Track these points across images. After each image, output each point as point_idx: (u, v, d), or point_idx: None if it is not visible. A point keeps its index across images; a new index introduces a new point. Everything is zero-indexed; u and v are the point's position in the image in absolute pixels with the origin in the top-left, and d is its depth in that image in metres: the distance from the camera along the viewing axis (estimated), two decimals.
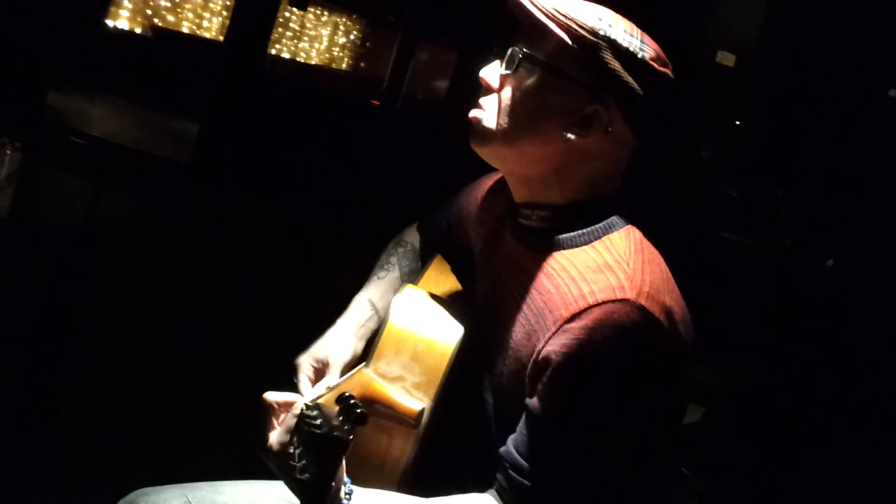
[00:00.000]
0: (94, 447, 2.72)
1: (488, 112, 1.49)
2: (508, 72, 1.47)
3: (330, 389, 1.40)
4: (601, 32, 1.44)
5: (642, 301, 1.33)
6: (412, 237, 1.88)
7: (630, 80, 1.43)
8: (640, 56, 1.44)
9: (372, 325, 1.71)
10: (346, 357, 1.62)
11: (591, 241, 1.43)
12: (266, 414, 1.36)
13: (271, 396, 1.38)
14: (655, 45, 1.47)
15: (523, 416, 1.38)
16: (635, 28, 1.47)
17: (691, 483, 2.82)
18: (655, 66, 1.45)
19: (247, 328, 3.23)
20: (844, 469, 2.69)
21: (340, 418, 1.21)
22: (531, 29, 1.45)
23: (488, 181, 1.71)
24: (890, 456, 2.64)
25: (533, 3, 1.43)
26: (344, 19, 8.55)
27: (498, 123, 1.49)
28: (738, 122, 4.44)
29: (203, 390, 3.00)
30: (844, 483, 2.68)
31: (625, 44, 1.43)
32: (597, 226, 1.45)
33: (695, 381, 3.13)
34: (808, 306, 2.92)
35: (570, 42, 1.43)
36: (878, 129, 3.09)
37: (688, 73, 4.55)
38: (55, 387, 2.67)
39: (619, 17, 1.47)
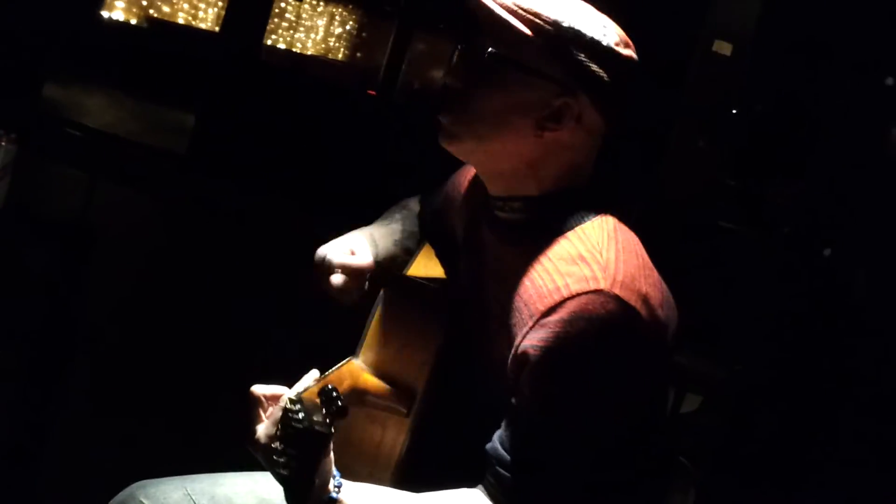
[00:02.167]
0: (93, 440, 2.72)
1: (456, 111, 1.46)
2: (473, 70, 1.44)
3: (318, 381, 1.38)
4: (564, 24, 1.41)
5: (616, 290, 1.31)
6: (414, 204, 1.87)
7: (597, 68, 1.41)
8: (604, 43, 1.41)
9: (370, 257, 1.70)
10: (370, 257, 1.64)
11: (565, 232, 1.41)
12: (253, 407, 1.36)
13: (259, 389, 1.37)
14: (617, 28, 1.45)
15: (506, 411, 1.37)
16: (596, 13, 1.45)
17: (689, 472, 2.83)
18: (620, 50, 1.43)
19: (245, 319, 3.23)
20: (844, 458, 2.69)
21: (323, 412, 1.20)
22: (492, 24, 1.42)
23: (471, 170, 1.69)
24: (891, 446, 2.63)
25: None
26: (340, 9, 8.53)
27: (466, 122, 1.46)
28: (734, 111, 4.44)
29: (202, 383, 3.00)
30: (844, 472, 2.68)
31: (589, 32, 1.41)
32: (570, 216, 1.43)
33: (693, 370, 3.14)
34: (807, 296, 2.91)
35: (533, 36, 1.40)
36: (876, 117, 3.09)
37: (685, 62, 4.55)
38: (53, 381, 2.67)
39: (580, 3, 1.45)
